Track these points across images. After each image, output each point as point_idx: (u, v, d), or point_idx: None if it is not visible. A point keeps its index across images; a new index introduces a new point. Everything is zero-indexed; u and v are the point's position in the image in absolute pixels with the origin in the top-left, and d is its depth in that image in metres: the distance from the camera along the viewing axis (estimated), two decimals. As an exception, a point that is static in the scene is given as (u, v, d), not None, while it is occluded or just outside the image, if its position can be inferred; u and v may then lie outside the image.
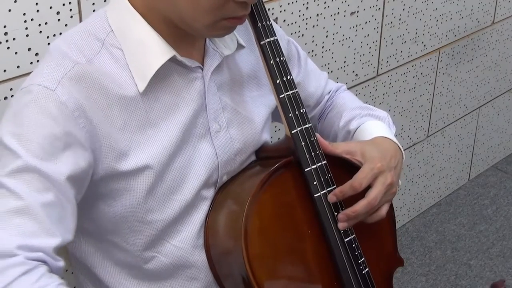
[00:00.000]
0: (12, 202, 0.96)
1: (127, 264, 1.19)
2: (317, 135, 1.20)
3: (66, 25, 1.46)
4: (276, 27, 1.29)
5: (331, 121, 1.40)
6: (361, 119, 1.34)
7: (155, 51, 1.09)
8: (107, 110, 1.07)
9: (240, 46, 1.22)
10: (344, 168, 1.23)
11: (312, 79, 1.39)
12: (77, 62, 1.06)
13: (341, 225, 1.18)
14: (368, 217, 1.21)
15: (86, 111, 1.04)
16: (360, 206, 1.17)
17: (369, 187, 1.19)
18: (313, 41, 2.03)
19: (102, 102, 1.06)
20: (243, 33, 1.23)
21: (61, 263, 1.01)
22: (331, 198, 1.18)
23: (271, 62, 1.17)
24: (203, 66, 1.15)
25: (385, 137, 1.29)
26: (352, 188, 1.17)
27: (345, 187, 1.17)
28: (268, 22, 1.17)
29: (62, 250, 1.31)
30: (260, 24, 1.16)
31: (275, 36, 1.17)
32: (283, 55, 1.18)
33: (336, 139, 1.39)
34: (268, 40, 1.16)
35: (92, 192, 1.10)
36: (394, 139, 1.30)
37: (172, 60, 1.10)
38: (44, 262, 0.97)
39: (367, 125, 1.32)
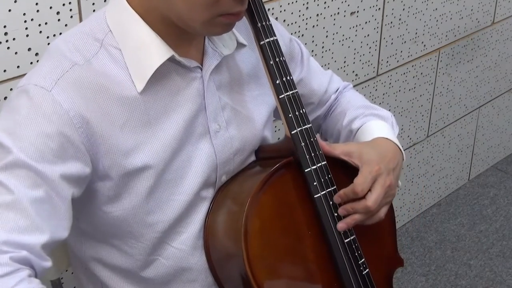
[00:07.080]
0: (1, 197, 0.97)
1: (127, 268, 1.19)
2: (317, 136, 1.20)
3: (66, 25, 1.46)
4: (277, 25, 1.29)
5: (335, 119, 1.40)
6: (364, 119, 1.34)
7: (153, 51, 1.08)
8: (107, 109, 1.06)
9: (240, 45, 1.21)
10: (344, 168, 1.22)
11: (314, 76, 1.38)
12: (76, 62, 1.06)
13: (339, 226, 1.18)
14: (367, 219, 1.21)
15: (82, 111, 1.04)
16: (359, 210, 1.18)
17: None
18: (313, 41, 2.03)
19: (101, 102, 1.06)
20: (245, 31, 1.23)
21: (48, 263, 1.01)
22: (336, 199, 1.19)
23: (271, 62, 1.16)
24: (202, 66, 1.15)
25: (386, 138, 1.29)
26: (353, 193, 1.18)
27: (348, 190, 1.18)
28: (267, 22, 1.16)
29: (62, 250, 1.32)
30: (259, 24, 1.15)
31: (275, 36, 1.17)
32: (282, 55, 1.17)
33: (339, 138, 1.38)
34: (267, 40, 1.16)
35: (93, 196, 1.10)
36: (395, 140, 1.30)
37: (171, 60, 1.10)
38: (28, 262, 0.97)
39: (370, 125, 1.32)
